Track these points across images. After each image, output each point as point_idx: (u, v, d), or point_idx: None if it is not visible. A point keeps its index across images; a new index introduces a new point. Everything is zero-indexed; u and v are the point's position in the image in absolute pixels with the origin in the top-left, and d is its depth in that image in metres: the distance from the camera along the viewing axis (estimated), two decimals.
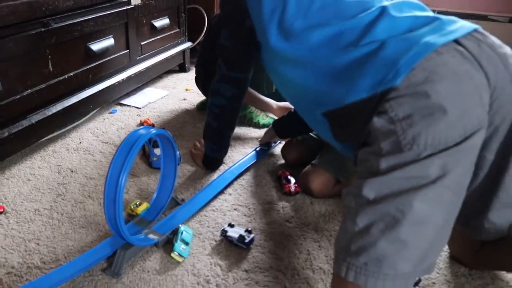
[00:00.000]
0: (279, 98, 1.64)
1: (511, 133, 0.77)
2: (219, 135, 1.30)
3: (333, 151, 1.14)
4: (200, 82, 1.71)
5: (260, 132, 1.60)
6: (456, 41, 0.74)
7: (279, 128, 1.39)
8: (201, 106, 1.80)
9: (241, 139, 1.55)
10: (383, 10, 0.81)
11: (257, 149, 1.46)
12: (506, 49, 0.78)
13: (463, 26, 0.77)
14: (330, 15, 0.85)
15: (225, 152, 1.35)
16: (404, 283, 0.67)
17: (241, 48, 1.14)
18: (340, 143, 0.89)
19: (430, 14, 0.83)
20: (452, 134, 0.68)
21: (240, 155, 1.43)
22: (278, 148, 1.47)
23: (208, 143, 1.31)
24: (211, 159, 1.33)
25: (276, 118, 1.57)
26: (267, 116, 1.68)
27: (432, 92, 0.68)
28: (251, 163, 1.37)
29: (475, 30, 0.77)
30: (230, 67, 1.18)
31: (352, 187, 0.74)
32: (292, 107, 1.35)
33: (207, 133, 1.30)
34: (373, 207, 0.68)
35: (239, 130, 1.60)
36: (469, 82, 0.70)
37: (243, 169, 1.33)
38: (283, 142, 1.44)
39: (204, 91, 1.72)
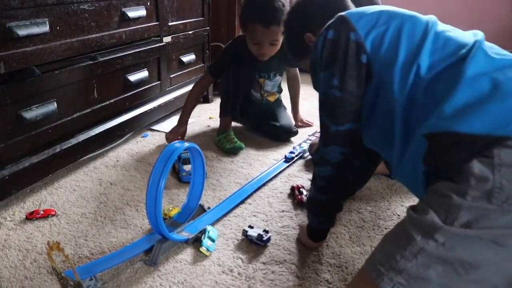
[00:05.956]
0: None
1: None
2: (329, 208, 1.11)
3: None
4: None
5: (276, 154, 1.78)
6: None
7: None
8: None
9: (260, 160, 1.72)
10: (478, 46, 0.80)
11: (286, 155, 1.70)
12: None
13: None
14: (452, 48, 0.84)
15: (333, 222, 1.15)
16: None
17: (358, 90, 0.93)
18: (425, 167, 0.81)
19: None
20: None
21: (258, 172, 1.60)
22: (292, 168, 1.65)
23: (313, 217, 1.14)
24: (318, 231, 1.16)
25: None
26: (234, 142, 1.79)
27: None
28: (269, 178, 1.54)
29: None
30: (339, 120, 0.97)
31: (420, 219, 0.71)
32: None
33: (313, 207, 1.13)
34: (439, 249, 0.68)
35: (258, 152, 1.78)
36: None
37: (261, 183, 1.50)
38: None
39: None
